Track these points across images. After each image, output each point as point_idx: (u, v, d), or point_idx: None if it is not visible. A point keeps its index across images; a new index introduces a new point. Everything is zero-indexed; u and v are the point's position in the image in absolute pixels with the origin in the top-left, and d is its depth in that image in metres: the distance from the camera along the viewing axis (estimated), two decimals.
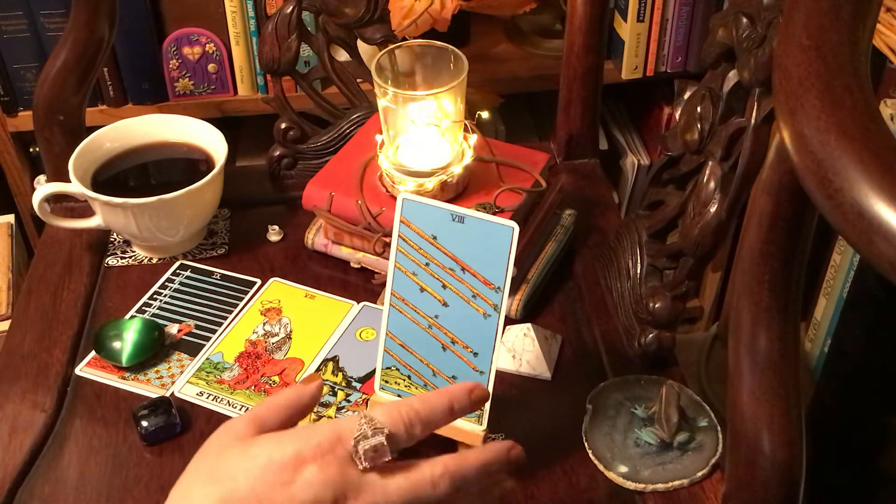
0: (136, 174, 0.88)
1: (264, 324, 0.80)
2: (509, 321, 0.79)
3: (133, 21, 1.14)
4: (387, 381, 0.65)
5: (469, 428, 0.64)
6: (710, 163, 0.70)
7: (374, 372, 0.66)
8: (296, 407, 0.55)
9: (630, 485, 0.67)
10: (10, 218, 1.15)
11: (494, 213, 0.77)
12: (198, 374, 0.75)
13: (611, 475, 0.68)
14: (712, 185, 0.70)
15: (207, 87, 1.22)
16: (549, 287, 0.84)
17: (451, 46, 0.78)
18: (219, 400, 0.73)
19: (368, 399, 0.70)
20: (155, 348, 0.76)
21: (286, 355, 0.77)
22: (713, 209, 0.70)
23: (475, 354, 0.62)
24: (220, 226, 0.91)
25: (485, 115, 1.32)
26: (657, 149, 1.37)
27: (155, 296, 0.83)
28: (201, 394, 0.74)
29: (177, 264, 0.86)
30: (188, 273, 0.86)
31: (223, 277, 0.85)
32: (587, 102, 0.96)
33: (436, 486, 0.52)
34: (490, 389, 0.62)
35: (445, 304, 0.62)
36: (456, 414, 0.56)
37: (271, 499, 0.48)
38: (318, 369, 0.76)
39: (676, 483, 0.67)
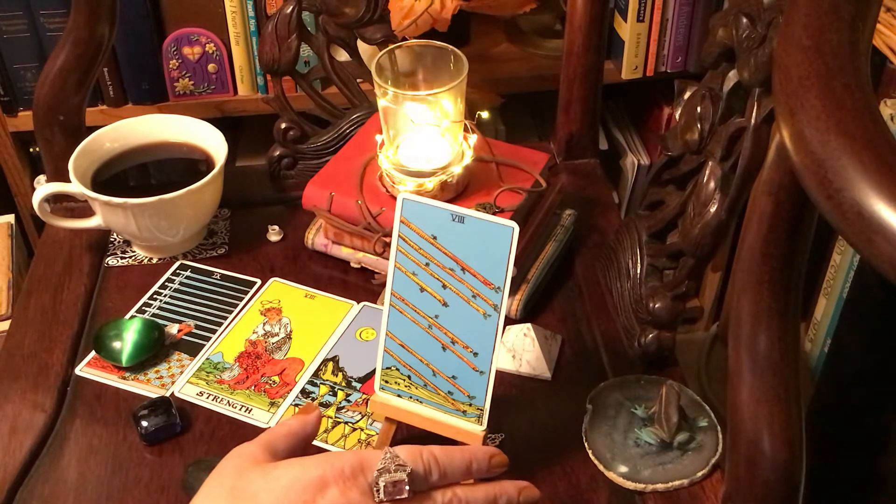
0: (136, 174, 0.88)
1: (264, 324, 0.80)
2: (509, 321, 0.79)
3: (133, 21, 1.14)
4: (387, 381, 0.65)
5: (469, 428, 0.64)
6: (710, 163, 0.70)
7: (374, 372, 0.66)
8: (301, 435, 0.57)
9: (630, 485, 0.67)
10: (10, 218, 1.15)
11: (494, 213, 0.77)
12: (198, 374, 0.75)
13: (611, 475, 0.68)
14: (712, 185, 0.70)
15: (207, 87, 1.22)
16: (549, 287, 0.84)
17: (451, 46, 0.78)
18: (219, 400, 0.73)
19: (368, 399, 0.70)
20: (155, 348, 0.76)
21: (286, 355, 0.77)
22: (713, 209, 0.70)
23: (475, 354, 0.62)
24: (220, 226, 0.91)
25: (485, 115, 1.32)
26: (657, 149, 1.37)
27: (155, 296, 0.83)
28: (201, 394, 0.74)
29: (177, 264, 0.86)
30: (188, 273, 0.86)
31: (223, 277, 0.85)
32: (587, 102, 0.96)
33: None
34: (490, 389, 0.62)
35: (445, 304, 0.62)
36: (473, 474, 0.57)
37: None
38: (318, 369, 0.76)
39: (676, 483, 0.67)
